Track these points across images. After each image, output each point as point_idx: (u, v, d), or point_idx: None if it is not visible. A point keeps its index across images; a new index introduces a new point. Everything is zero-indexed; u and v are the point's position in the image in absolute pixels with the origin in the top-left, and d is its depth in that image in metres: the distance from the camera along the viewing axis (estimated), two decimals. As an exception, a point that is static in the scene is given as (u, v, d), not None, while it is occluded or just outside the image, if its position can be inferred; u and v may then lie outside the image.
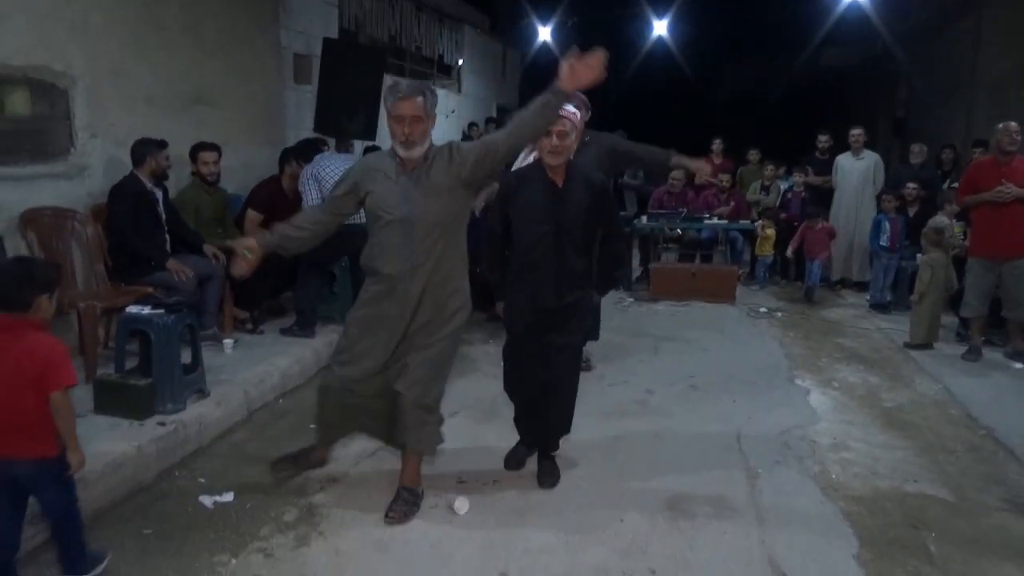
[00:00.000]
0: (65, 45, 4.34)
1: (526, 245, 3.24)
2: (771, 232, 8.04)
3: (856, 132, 8.05)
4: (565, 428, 3.51)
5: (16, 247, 4.07)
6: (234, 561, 2.71)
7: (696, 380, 4.92)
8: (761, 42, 15.18)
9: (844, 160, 8.15)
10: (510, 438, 3.76)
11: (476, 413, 4.26)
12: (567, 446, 3.68)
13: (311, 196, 5.04)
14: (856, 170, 8.02)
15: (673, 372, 5.06)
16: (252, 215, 5.32)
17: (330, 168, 5.00)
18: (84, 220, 4.43)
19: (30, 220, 4.15)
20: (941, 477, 3.56)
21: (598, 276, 3.46)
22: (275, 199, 5.36)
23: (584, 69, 2.74)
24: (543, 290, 3.22)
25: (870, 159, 8.04)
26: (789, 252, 7.85)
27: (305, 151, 5.45)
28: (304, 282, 5.04)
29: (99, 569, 2.58)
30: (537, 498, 3.25)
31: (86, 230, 4.43)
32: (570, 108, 3.15)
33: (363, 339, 3.05)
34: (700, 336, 6.08)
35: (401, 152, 2.93)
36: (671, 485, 3.38)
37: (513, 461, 3.55)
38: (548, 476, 3.39)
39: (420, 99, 2.89)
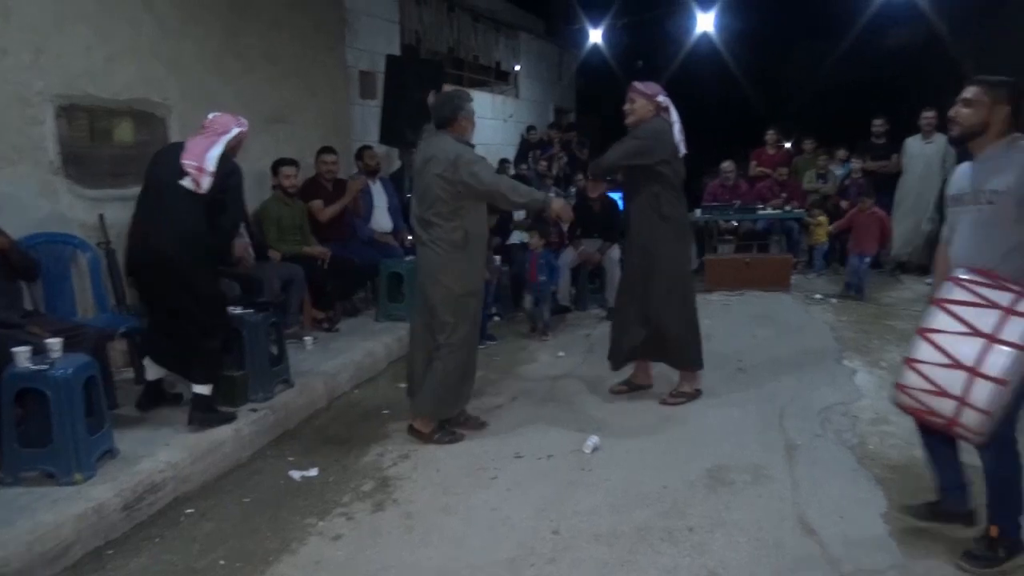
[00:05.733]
0: (162, 78, 4.91)
1: None
2: (823, 219, 8.09)
3: (928, 115, 7.72)
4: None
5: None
6: (321, 523, 3.13)
7: (744, 364, 5.14)
8: (823, 27, 14.98)
9: (912, 143, 7.91)
10: (564, 421, 4.14)
11: (533, 398, 4.60)
12: (616, 425, 4.01)
13: None
14: (924, 154, 7.75)
15: (722, 357, 5.27)
16: (316, 204, 5.94)
17: None
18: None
19: (136, 235, 4.70)
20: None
21: None
22: (319, 189, 6.03)
23: (565, 213, 4.04)
24: None
25: (940, 143, 7.70)
26: (832, 230, 7.79)
27: None
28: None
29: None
30: (587, 469, 3.57)
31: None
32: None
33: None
34: (751, 323, 6.26)
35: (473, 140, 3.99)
36: (712, 457, 3.64)
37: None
38: None
39: None
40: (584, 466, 3.61)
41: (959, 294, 2.37)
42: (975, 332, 2.27)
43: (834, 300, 7.11)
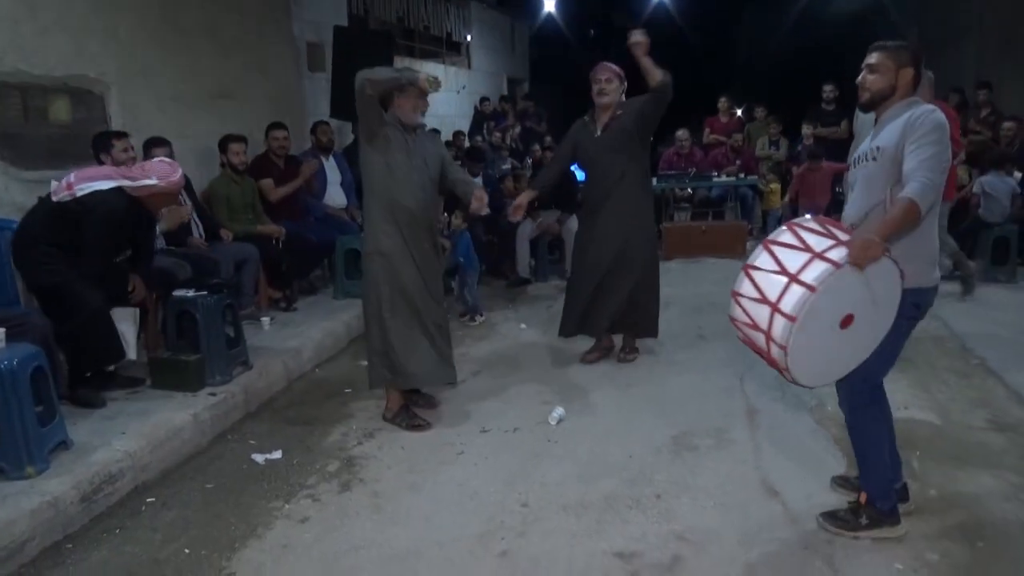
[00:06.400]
0: (98, 53, 4.69)
1: None
2: (775, 186, 8.20)
3: None
4: None
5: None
6: (287, 506, 3.08)
7: (704, 330, 5.20)
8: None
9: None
10: (529, 394, 4.14)
11: (496, 372, 4.60)
12: (580, 396, 4.03)
13: None
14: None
15: (682, 325, 5.34)
16: (266, 183, 5.78)
17: None
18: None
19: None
20: (930, 403, 3.83)
21: None
22: (269, 167, 5.87)
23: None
24: None
25: None
26: (786, 199, 7.90)
27: None
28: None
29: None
30: (553, 440, 3.58)
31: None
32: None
33: (406, 263, 3.67)
34: (709, 290, 6.33)
35: (418, 119, 3.71)
36: (676, 423, 3.69)
37: None
38: None
39: None
40: (550, 438, 3.62)
41: (785, 236, 2.48)
42: (783, 271, 2.37)
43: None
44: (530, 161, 9.63)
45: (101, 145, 4.36)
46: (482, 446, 3.56)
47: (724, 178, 8.38)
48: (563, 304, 4.71)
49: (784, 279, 2.36)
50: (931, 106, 2.54)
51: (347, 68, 7.02)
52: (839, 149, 8.17)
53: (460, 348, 5.02)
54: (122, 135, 4.47)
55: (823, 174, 7.37)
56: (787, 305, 2.32)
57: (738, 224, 8.10)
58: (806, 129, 8.56)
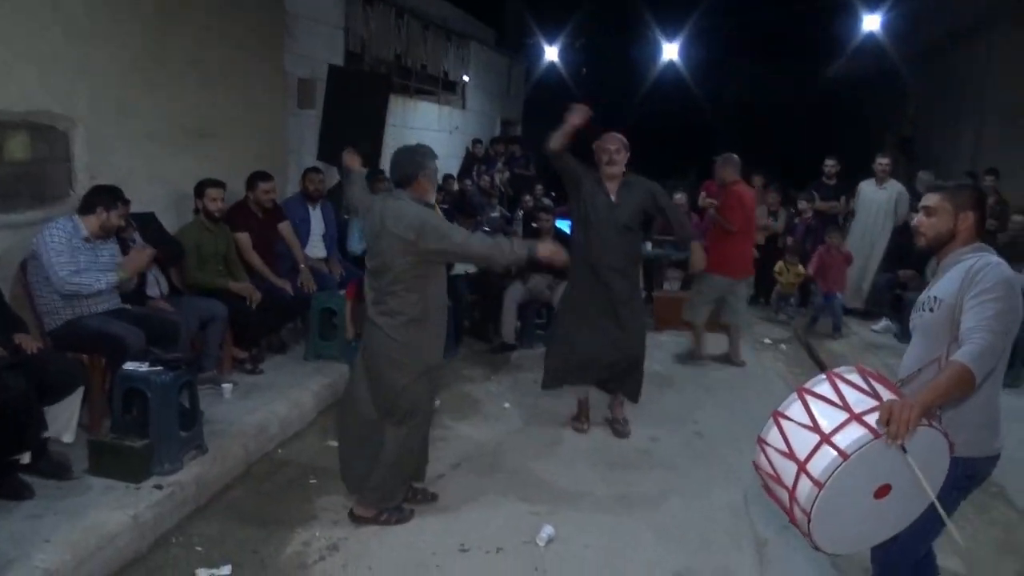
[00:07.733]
0: (68, 88, 4.28)
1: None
2: (801, 270, 7.70)
3: (883, 161, 7.61)
4: None
5: (15, 297, 3.99)
6: (230, 646, 2.65)
7: (701, 426, 4.85)
8: (768, 50, 15.06)
9: (866, 188, 7.74)
10: (514, 499, 3.75)
11: (477, 465, 4.20)
12: (571, 507, 3.64)
13: None
14: (878, 200, 7.60)
15: (679, 417, 4.99)
16: (243, 238, 5.32)
17: None
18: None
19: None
20: (953, 545, 3.48)
21: None
22: (247, 217, 5.40)
23: (557, 257, 3.39)
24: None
25: (892, 189, 7.56)
26: (811, 272, 7.49)
27: None
28: None
29: None
30: (541, 569, 3.18)
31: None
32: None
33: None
34: (703, 372, 6.01)
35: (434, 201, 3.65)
36: (677, 556, 3.32)
37: None
38: None
39: None
40: (538, 565, 3.22)
41: (822, 388, 2.24)
42: (815, 428, 2.14)
43: (783, 346, 6.94)
44: (520, 213, 9.32)
45: (100, 201, 3.99)
46: (460, 570, 3.16)
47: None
48: (547, 354, 4.73)
49: (816, 437, 2.11)
50: (996, 258, 2.31)
51: (339, 108, 6.70)
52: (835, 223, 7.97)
53: (438, 430, 4.62)
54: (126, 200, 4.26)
55: (842, 258, 7.10)
56: (816, 468, 2.06)
57: (733, 297, 7.78)
58: (803, 204, 8.32)
